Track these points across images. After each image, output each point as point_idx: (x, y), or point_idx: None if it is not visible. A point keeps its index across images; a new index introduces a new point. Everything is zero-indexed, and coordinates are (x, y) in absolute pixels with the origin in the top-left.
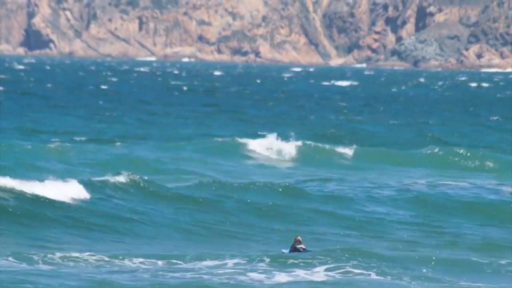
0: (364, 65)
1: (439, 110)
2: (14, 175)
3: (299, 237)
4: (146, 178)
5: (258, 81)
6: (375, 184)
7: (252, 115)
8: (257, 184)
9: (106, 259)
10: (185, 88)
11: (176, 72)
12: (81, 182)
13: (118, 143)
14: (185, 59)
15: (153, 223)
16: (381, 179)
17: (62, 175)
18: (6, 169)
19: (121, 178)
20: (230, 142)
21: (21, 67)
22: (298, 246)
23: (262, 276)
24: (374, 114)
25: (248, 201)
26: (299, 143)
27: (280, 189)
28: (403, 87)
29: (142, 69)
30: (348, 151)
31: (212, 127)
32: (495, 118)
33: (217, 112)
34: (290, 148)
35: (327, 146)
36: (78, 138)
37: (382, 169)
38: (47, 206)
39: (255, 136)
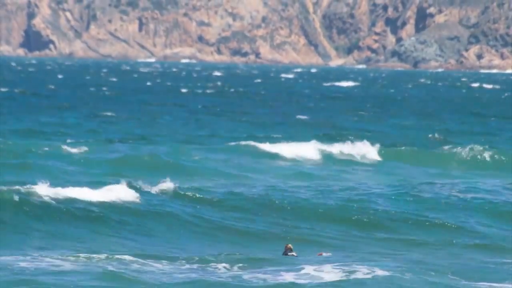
0: (364, 66)
1: (439, 111)
2: (29, 176)
3: (290, 245)
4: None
5: (259, 81)
6: (381, 183)
7: (253, 116)
8: (270, 183)
9: (110, 256)
10: (184, 90)
11: (176, 73)
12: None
13: (122, 144)
14: (185, 60)
15: (157, 222)
16: (389, 178)
17: (74, 176)
18: (23, 170)
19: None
20: (244, 145)
21: (20, 68)
22: (290, 254)
23: (268, 276)
24: (375, 115)
25: (259, 200)
26: (310, 143)
27: (290, 189)
28: (404, 88)
29: (142, 69)
30: (356, 150)
31: (213, 128)
32: (495, 118)
33: (218, 113)
34: (303, 148)
35: (336, 146)
36: (81, 140)
37: (388, 169)
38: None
39: (256, 136)
